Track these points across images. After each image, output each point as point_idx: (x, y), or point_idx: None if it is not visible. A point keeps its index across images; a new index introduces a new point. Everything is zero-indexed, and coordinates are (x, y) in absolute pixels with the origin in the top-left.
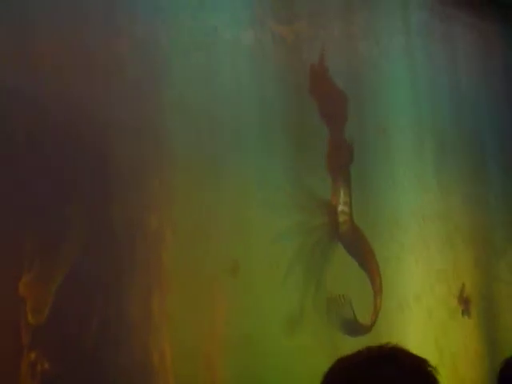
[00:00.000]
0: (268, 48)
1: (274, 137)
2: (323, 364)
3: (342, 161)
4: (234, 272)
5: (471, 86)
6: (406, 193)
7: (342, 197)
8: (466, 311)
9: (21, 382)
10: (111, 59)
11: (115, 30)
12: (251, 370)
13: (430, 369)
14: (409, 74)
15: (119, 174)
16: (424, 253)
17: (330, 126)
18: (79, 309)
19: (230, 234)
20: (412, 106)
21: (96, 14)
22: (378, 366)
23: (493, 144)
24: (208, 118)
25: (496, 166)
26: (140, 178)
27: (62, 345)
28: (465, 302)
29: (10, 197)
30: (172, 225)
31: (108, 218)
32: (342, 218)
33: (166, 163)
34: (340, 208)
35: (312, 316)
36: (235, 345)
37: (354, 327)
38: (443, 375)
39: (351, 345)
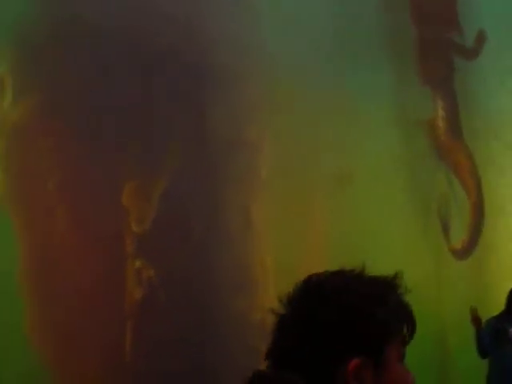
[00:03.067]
0: None
1: (371, 48)
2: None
3: (440, 73)
4: (338, 182)
5: None
6: None
7: (441, 111)
8: None
9: (127, 289)
10: None
11: None
12: None
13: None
14: None
15: (215, 87)
16: None
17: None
18: (181, 218)
19: (332, 146)
20: None
21: None
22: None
23: None
24: (309, 28)
25: None
26: (238, 89)
27: (165, 252)
28: None
29: (114, 110)
30: (272, 136)
31: (205, 131)
32: (439, 133)
33: (266, 74)
34: (439, 123)
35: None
36: (338, 256)
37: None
38: None
39: None
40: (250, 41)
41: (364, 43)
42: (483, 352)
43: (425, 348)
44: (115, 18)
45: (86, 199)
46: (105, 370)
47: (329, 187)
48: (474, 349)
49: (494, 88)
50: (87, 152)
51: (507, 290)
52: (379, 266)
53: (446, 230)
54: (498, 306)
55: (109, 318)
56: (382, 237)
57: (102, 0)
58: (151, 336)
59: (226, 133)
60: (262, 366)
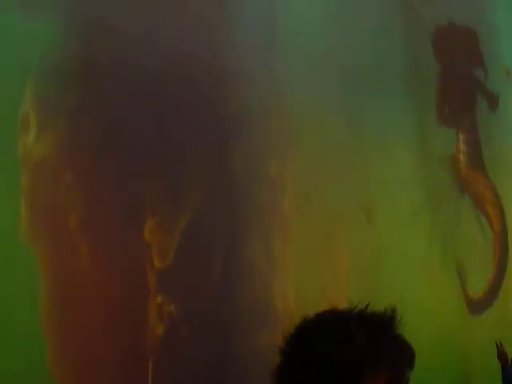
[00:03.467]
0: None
1: (394, 85)
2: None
3: (462, 107)
4: (361, 218)
5: None
6: None
7: (462, 146)
8: None
9: (149, 325)
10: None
11: None
12: None
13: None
14: None
15: (237, 122)
16: None
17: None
18: (202, 253)
19: (354, 182)
20: None
21: None
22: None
23: None
24: (326, 65)
25: None
26: (259, 126)
27: (186, 288)
28: None
29: (138, 145)
30: (294, 171)
31: (227, 167)
32: (460, 167)
33: (285, 110)
34: (460, 157)
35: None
36: (359, 291)
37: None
38: None
39: None
40: (273, 77)
41: (386, 80)
42: None
43: (449, 380)
44: (137, 57)
45: (109, 235)
46: None
47: (351, 223)
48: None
49: None
50: (110, 188)
51: None
52: (402, 302)
53: (462, 278)
54: None
55: (131, 354)
56: (404, 272)
57: (123, 40)
58: (173, 372)
59: (248, 168)
60: None
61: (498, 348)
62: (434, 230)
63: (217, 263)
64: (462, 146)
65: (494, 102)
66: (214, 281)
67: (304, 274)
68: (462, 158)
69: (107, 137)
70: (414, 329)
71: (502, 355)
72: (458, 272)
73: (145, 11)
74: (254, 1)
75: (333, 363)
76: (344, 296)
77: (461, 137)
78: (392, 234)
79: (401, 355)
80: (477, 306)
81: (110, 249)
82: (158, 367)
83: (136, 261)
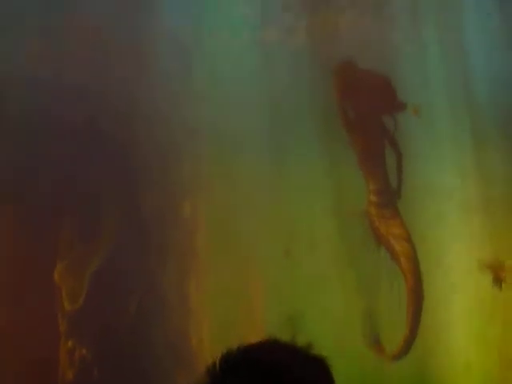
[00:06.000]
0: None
1: (312, 130)
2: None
3: (372, 155)
4: (276, 258)
5: None
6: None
7: (373, 197)
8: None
9: (60, 370)
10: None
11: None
12: None
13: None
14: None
15: (147, 162)
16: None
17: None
18: (115, 296)
19: (269, 223)
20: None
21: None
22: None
23: None
24: (238, 103)
25: None
26: (169, 166)
27: (98, 331)
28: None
29: (46, 187)
30: (206, 211)
31: (138, 207)
32: (373, 219)
33: (201, 150)
34: (372, 210)
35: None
36: (275, 328)
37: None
38: None
39: None
40: (185, 118)
41: (298, 122)
42: None
43: None
44: (46, 102)
45: (19, 278)
46: None
47: (265, 262)
48: None
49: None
50: (20, 230)
51: None
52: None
53: (376, 341)
54: None
55: None
56: (320, 315)
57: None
58: None
59: (160, 210)
60: None
61: None
62: (352, 281)
63: (130, 305)
64: (372, 198)
65: (399, 154)
66: (127, 322)
67: (219, 314)
68: (373, 210)
69: (16, 180)
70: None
71: None
72: (371, 336)
73: (56, 51)
74: (167, 43)
75: None
76: (258, 332)
77: (371, 187)
78: (298, 273)
79: None
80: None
81: (20, 292)
82: None
83: (46, 304)
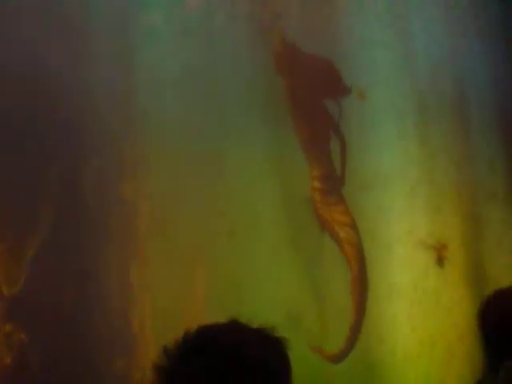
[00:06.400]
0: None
1: (255, 114)
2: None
3: (316, 141)
4: (219, 240)
5: None
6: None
7: (317, 183)
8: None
9: None
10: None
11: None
12: None
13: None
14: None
15: (89, 143)
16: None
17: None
18: (54, 280)
19: (212, 206)
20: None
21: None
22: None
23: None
24: (184, 88)
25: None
26: (113, 147)
27: (37, 315)
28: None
29: None
30: (148, 195)
31: (81, 189)
32: (317, 206)
33: (139, 133)
34: (316, 196)
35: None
36: (216, 313)
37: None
38: None
39: None
40: (126, 100)
41: (238, 107)
42: None
43: None
44: None
45: None
46: None
47: (211, 247)
48: None
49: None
50: None
51: None
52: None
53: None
54: None
55: None
56: (262, 292)
57: None
58: None
59: (101, 191)
60: None
61: None
62: (295, 267)
63: (69, 289)
64: (316, 184)
65: (342, 140)
66: (66, 307)
67: (161, 299)
68: (317, 196)
69: None
70: None
71: None
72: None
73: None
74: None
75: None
76: (203, 320)
77: (315, 173)
78: (254, 262)
79: None
80: (337, 358)
81: None
82: None
83: None
